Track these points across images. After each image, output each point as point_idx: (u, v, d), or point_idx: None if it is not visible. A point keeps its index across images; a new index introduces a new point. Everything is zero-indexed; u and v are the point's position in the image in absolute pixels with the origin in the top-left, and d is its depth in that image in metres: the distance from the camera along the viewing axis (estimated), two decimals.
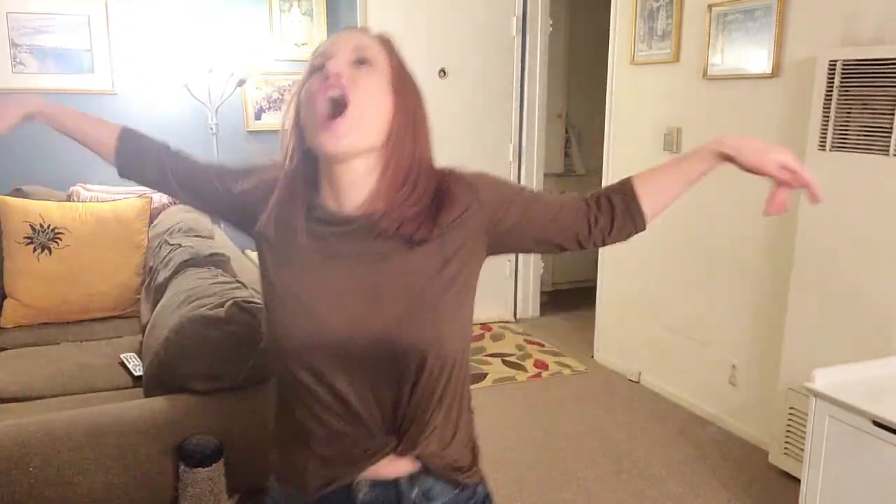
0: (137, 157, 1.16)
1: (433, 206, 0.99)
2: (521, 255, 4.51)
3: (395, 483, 1.02)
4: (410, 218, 0.97)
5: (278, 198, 1.01)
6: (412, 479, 1.02)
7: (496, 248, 1.05)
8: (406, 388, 0.97)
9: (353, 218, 0.99)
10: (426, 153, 1.02)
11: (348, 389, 0.97)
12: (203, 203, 1.16)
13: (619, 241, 1.09)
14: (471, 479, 1.07)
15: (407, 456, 1.01)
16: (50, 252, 2.93)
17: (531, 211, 1.04)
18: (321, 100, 0.93)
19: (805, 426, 2.35)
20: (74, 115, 1.17)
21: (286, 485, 1.08)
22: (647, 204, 1.06)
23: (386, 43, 1.01)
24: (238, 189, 1.07)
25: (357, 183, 0.98)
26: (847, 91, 2.34)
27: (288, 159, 1.02)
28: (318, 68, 0.96)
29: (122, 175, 1.18)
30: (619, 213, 1.06)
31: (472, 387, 3.42)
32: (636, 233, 1.08)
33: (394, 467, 1.01)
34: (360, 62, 0.96)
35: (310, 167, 1.01)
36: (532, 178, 4.53)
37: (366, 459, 1.00)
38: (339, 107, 0.93)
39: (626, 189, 1.07)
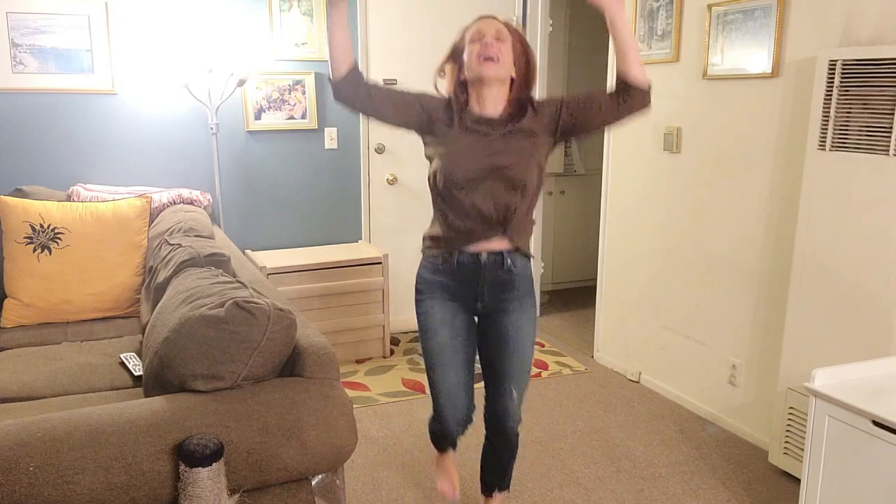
0: (362, 82, 1.90)
1: (524, 111, 1.94)
2: None
3: (500, 253, 1.95)
4: (516, 117, 1.93)
5: (447, 108, 1.96)
6: (509, 252, 1.95)
7: (565, 133, 1.96)
8: (513, 201, 1.90)
9: (490, 117, 1.94)
10: (527, 87, 1.97)
11: (481, 201, 1.89)
12: (396, 112, 1.94)
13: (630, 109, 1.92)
14: (529, 257, 2.02)
15: (506, 238, 1.94)
16: (50, 252, 2.93)
17: (574, 103, 1.94)
18: (483, 54, 1.87)
19: (805, 426, 2.36)
20: (346, 23, 1.85)
21: (436, 255, 1.98)
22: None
23: (510, 26, 1.95)
24: (423, 101, 1.97)
25: (493, 99, 1.93)
26: (847, 91, 2.34)
27: (450, 89, 1.99)
28: (476, 39, 1.90)
29: (338, 91, 1.87)
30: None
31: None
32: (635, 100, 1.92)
33: (499, 244, 1.95)
34: (499, 39, 1.90)
35: (463, 91, 1.96)
36: None
37: (486, 239, 1.93)
38: (491, 59, 1.87)
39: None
